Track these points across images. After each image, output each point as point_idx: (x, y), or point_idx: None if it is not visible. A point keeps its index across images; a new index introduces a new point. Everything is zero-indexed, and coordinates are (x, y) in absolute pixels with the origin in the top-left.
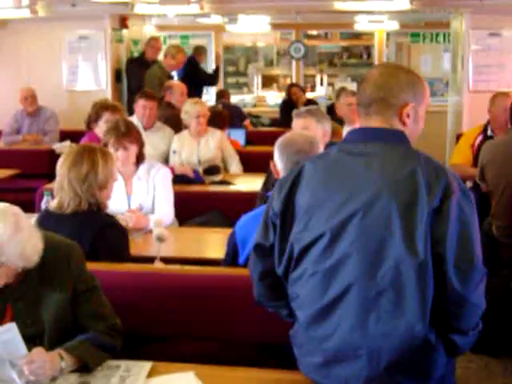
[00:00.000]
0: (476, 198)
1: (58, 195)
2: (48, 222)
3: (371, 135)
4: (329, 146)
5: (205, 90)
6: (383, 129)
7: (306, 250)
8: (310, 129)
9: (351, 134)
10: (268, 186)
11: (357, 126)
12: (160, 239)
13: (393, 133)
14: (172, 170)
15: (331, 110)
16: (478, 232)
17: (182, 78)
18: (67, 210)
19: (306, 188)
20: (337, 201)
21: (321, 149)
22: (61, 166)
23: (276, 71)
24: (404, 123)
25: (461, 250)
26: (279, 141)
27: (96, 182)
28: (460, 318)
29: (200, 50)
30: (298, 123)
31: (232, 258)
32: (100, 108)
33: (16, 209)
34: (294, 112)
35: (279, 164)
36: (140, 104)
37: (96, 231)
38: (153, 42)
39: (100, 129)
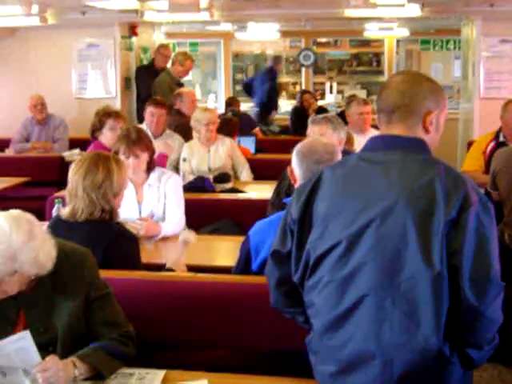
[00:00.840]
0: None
1: (72, 203)
2: (60, 229)
3: (391, 143)
4: (343, 153)
5: (214, 97)
6: (404, 137)
7: (322, 257)
8: (325, 136)
9: (371, 142)
10: (280, 192)
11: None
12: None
13: (413, 141)
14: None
15: (341, 118)
16: (496, 245)
17: (268, 91)
18: (80, 218)
19: (324, 195)
20: (354, 209)
21: (340, 157)
22: (74, 174)
23: (285, 79)
24: (427, 131)
25: (477, 263)
26: (299, 148)
27: (111, 190)
28: (475, 332)
29: (278, 60)
30: (314, 130)
31: (244, 264)
32: (103, 115)
33: (30, 216)
34: (311, 118)
35: (297, 171)
36: (148, 111)
37: (109, 241)
38: (162, 49)
39: (104, 136)
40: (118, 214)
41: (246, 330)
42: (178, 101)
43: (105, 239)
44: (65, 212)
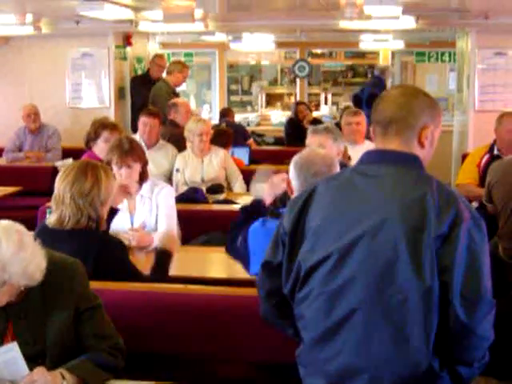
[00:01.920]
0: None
1: (58, 210)
2: (46, 237)
3: (386, 158)
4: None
5: (209, 108)
6: (399, 152)
7: (312, 270)
8: (326, 146)
9: (366, 156)
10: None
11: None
12: None
13: (408, 156)
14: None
15: None
16: (488, 262)
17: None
18: (67, 226)
19: (317, 208)
20: (346, 222)
21: (337, 169)
22: (62, 181)
23: (280, 90)
24: (422, 145)
25: (468, 280)
26: (297, 159)
27: (99, 198)
28: (464, 349)
29: (386, 68)
30: (314, 140)
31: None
32: (99, 127)
33: (20, 226)
34: (311, 128)
35: (294, 182)
36: (141, 121)
37: (99, 249)
38: (158, 59)
39: (98, 147)
40: (104, 223)
41: (238, 343)
42: (172, 111)
43: (94, 248)
44: (51, 220)
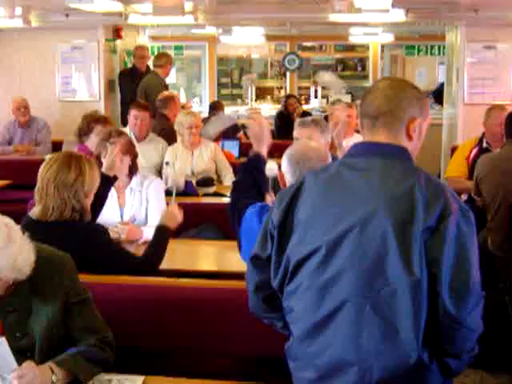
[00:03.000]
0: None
1: (42, 202)
2: (30, 229)
3: (374, 150)
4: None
5: (199, 101)
6: (387, 144)
7: (301, 263)
8: (314, 139)
9: (354, 148)
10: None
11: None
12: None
13: (396, 149)
14: None
15: None
16: (476, 254)
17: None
18: (50, 218)
19: (306, 201)
20: (334, 215)
21: (329, 162)
22: (45, 172)
23: (270, 83)
24: (410, 138)
25: (456, 272)
26: (291, 154)
27: (82, 189)
28: (453, 341)
29: None
30: (302, 132)
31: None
32: (91, 121)
33: (8, 220)
34: (298, 121)
35: (289, 177)
36: (132, 114)
37: (81, 241)
38: (138, 51)
39: (91, 141)
40: (88, 214)
41: (228, 336)
42: (172, 104)
43: (77, 240)
44: (35, 211)
